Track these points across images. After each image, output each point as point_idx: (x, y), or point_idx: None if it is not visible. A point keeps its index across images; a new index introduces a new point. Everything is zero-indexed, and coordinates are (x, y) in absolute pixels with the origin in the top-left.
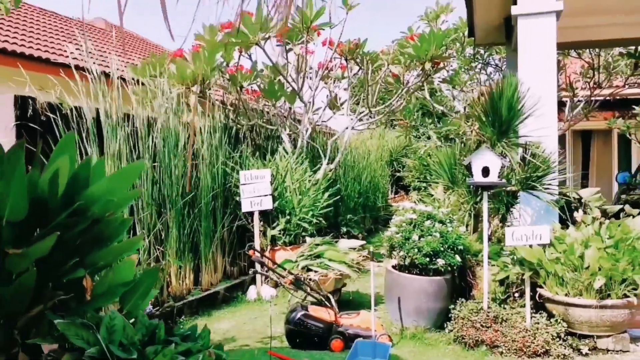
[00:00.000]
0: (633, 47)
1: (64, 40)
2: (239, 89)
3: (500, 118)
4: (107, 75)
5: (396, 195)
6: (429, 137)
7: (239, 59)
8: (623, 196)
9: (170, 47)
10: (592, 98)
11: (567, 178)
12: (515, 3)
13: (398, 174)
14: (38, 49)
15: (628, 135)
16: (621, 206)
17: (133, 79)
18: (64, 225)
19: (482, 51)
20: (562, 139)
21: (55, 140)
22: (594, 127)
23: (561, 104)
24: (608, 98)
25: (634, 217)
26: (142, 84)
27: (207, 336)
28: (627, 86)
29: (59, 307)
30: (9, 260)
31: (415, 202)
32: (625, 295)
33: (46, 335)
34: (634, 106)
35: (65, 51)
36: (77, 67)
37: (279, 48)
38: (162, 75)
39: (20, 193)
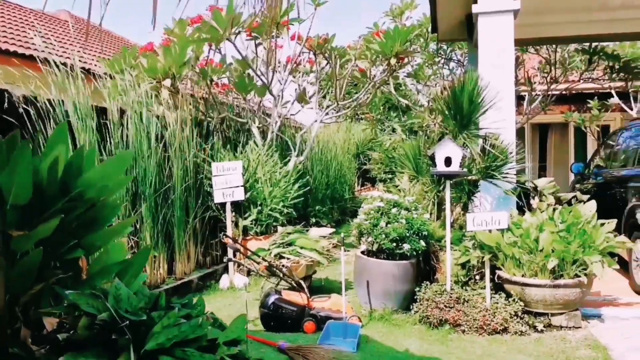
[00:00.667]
0: (587, 44)
1: (28, 33)
2: (209, 82)
3: (461, 111)
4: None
5: (362, 187)
6: (394, 130)
7: (209, 53)
8: (577, 185)
9: (138, 40)
10: (549, 92)
11: (525, 168)
12: (475, 2)
13: (364, 167)
14: (5, 42)
15: (583, 128)
16: (574, 194)
17: (105, 73)
18: (63, 209)
19: (445, 47)
20: (521, 132)
21: (31, 132)
22: (552, 120)
23: (520, 98)
24: (564, 92)
25: (584, 202)
26: (112, 77)
27: (202, 305)
28: (581, 81)
29: (57, 285)
30: (14, 241)
31: (383, 191)
32: (577, 275)
33: (46, 310)
34: (588, 100)
35: (31, 44)
36: (43, 60)
37: (249, 42)
38: (133, 69)
39: (26, 180)
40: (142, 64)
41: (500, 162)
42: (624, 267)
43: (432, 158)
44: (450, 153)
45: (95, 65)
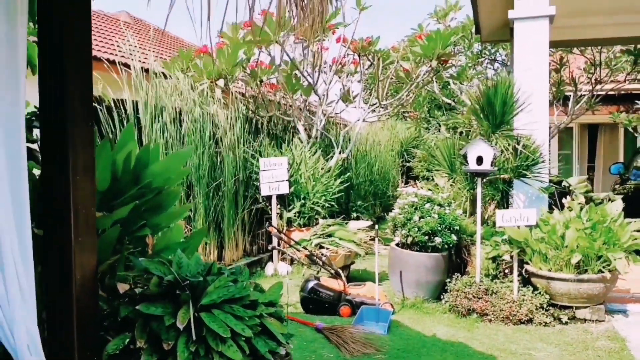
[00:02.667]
0: (633, 45)
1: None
2: (258, 82)
3: (494, 112)
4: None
5: (406, 185)
6: (438, 129)
7: (259, 54)
8: (617, 186)
9: (192, 40)
10: (594, 93)
11: (555, 168)
12: (512, 7)
13: (408, 164)
14: None
15: (630, 129)
16: (607, 194)
17: (163, 73)
18: (135, 195)
19: (489, 47)
20: (569, 132)
21: (100, 128)
22: (601, 120)
23: (565, 98)
24: (612, 93)
25: (613, 201)
26: (170, 77)
27: (246, 274)
28: (627, 82)
29: (127, 259)
30: (97, 220)
31: (419, 188)
32: (600, 271)
33: (120, 278)
34: (636, 101)
35: (96, 45)
36: (113, 62)
37: (296, 45)
38: (189, 69)
39: (106, 171)
40: (197, 65)
41: (531, 162)
42: None
43: (465, 157)
44: (481, 152)
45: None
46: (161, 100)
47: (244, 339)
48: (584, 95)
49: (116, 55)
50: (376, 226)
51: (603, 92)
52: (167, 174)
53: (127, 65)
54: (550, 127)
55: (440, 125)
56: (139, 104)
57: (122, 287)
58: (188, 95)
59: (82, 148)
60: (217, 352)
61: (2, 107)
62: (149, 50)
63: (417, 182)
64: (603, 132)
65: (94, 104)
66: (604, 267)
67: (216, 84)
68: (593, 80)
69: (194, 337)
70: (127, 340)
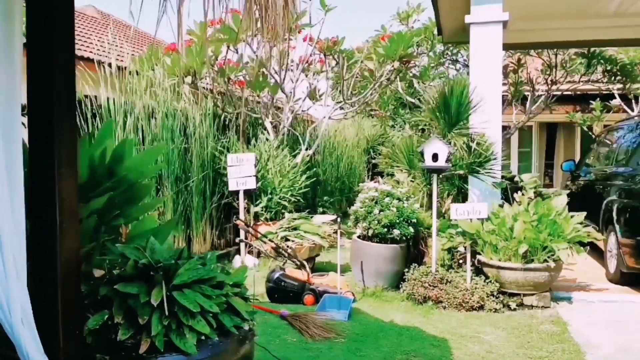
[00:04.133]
0: (586, 49)
1: None
2: (226, 80)
3: (450, 112)
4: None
5: (372, 181)
6: (403, 127)
7: (226, 52)
8: (568, 183)
9: (159, 36)
10: (551, 93)
11: (508, 164)
12: (468, 12)
13: (374, 161)
14: None
15: (585, 128)
16: (555, 189)
17: (133, 70)
18: (111, 187)
19: (451, 48)
20: (528, 130)
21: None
22: (559, 119)
23: (524, 98)
24: (568, 93)
25: (559, 196)
26: (138, 74)
27: (214, 258)
28: (581, 83)
29: (102, 246)
30: None
31: (382, 183)
32: (545, 261)
33: (95, 264)
34: (591, 101)
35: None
36: (82, 58)
37: (263, 43)
38: (157, 66)
39: (84, 164)
40: (165, 62)
41: (484, 159)
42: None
43: (422, 154)
44: (437, 150)
45: (122, 60)
46: (132, 97)
47: (211, 314)
48: (541, 95)
49: (85, 51)
50: (339, 219)
51: (559, 93)
52: (141, 168)
53: (97, 62)
54: (509, 126)
55: (405, 123)
56: (109, 101)
57: (98, 273)
58: (158, 92)
59: (66, 141)
60: (187, 326)
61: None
62: (119, 46)
63: (381, 178)
64: (561, 130)
65: None
66: (548, 257)
67: (184, 81)
68: (549, 81)
69: (167, 313)
70: (106, 316)
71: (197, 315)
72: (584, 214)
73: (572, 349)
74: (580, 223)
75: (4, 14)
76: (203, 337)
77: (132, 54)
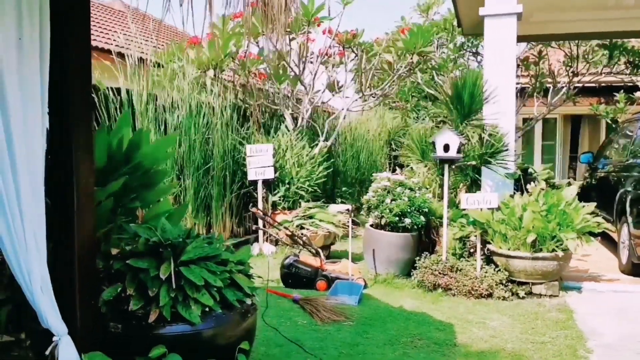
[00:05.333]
0: (608, 40)
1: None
2: (247, 72)
3: (462, 103)
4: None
5: (393, 172)
6: (424, 119)
7: (247, 45)
8: (586, 174)
9: (184, 28)
10: (572, 85)
11: (519, 156)
12: (483, 5)
13: (394, 153)
14: None
15: (609, 121)
16: (568, 180)
17: (157, 62)
18: (127, 172)
19: (472, 40)
20: (552, 122)
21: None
22: (583, 112)
23: (547, 90)
24: (591, 85)
25: (570, 185)
26: (162, 66)
27: (221, 239)
28: (603, 75)
29: (119, 228)
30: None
31: (397, 174)
32: (554, 250)
33: (113, 244)
34: (615, 93)
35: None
36: (108, 51)
37: (284, 37)
38: (181, 59)
39: (103, 151)
40: (188, 56)
41: (496, 150)
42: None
43: (433, 144)
44: (448, 140)
45: (146, 53)
46: (155, 89)
47: (215, 289)
48: (563, 87)
49: (111, 44)
50: (350, 208)
51: (580, 85)
52: (156, 155)
53: (121, 55)
54: (531, 118)
55: (426, 115)
56: (129, 93)
57: (115, 251)
58: (181, 84)
59: (82, 127)
60: (193, 299)
61: (24, 100)
62: (145, 39)
63: (402, 169)
64: (586, 123)
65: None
66: (557, 247)
67: (207, 74)
68: (571, 73)
69: (174, 286)
70: (119, 289)
71: (202, 289)
72: (594, 204)
73: (574, 335)
74: (591, 213)
75: (35, 20)
76: (207, 309)
77: (156, 47)
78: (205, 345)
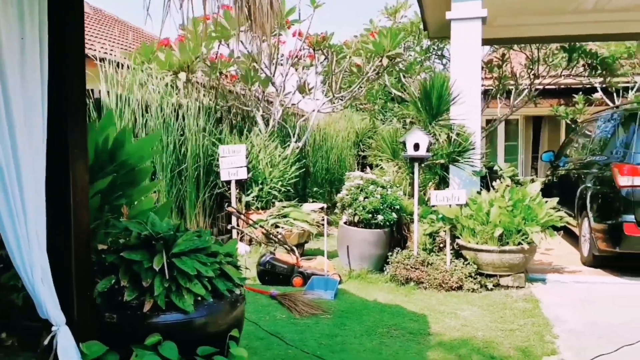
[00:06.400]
0: (568, 43)
1: None
2: (218, 74)
3: (431, 104)
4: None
5: (363, 172)
6: (391, 120)
7: (218, 47)
8: (548, 172)
9: (151, 30)
10: (533, 87)
11: (483, 154)
12: (449, 9)
13: (363, 154)
14: None
15: (569, 121)
16: (532, 177)
17: (128, 65)
18: (113, 171)
19: (438, 43)
20: (514, 123)
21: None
22: (544, 113)
23: (509, 92)
24: (552, 87)
25: (533, 182)
26: (134, 69)
27: (208, 233)
28: (562, 77)
29: (106, 224)
30: None
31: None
32: (520, 243)
33: (99, 240)
34: (574, 95)
35: None
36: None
37: (254, 39)
38: (151, 62)
39: (90, 148)
40: (159, 58)
41: (463, 149)
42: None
43: (404, 144)
44: (418, 140)
45: (113, 54)
46: (130, 91)
47: (206, 279)
48: (525, 89)
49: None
50: (324, 206)
51: (541, 87)
52: (140, 153)
53: (87, 56)
54: (494, 119)
55: (393, 117)
56: (101, 94)
57: (102, 247)
58: (154, 86)
59: (77, 125)
60: (185, 288)
61: (25, 98)
62: (113, 42)
63: (371, 169)
64: (546, 124)
65: None
66: (523, 240)
67: (178, 76)
68: (532, 75)
69: (167, 277)
70: (113, 281)
71: (194, 279)
72: (557, 199)
73: (541, 322)
74: (553, 208)
75: (35, 21)
76: (199, 298)
77: (126, 49)
78: (198, 333)
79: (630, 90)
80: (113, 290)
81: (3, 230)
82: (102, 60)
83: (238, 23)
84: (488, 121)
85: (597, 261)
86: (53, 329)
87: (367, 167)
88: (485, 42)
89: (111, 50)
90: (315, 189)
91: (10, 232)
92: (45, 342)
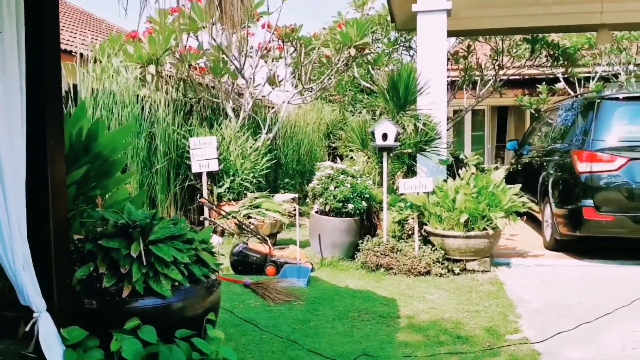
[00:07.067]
0: (530, 35)
1: None
2: (187, 67)
3: (398, 95)
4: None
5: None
6: (361, 112)
7: (187, 39)
8: (512, 161)
9: (118, 23)
10: (498, 77)
11: (449, 143)
12: (415, 1)
13: (333, 145)
14: None
15: (532, 111)
16: (496, 165)
17: (95, 57)
18: (88, 162)
19: (405, 35)
20: (481, 113)
21: None
22: (509, 103)
23: (475, 83)
24: (516, 77)
25: (497, 170)
26: (100, 61)
27: (183, 221)
28: (526, 67)
29: (82, 214)
30: None
31: (338, 163)
32: (485, 229)
33: (74, 230)
34: (537, 85)
35: None
36: None
37: (223, 31)
38: (118, 54)
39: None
40: (127, 51)
41: (429, 138)
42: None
43: (373, 134)
44: (386, 130)
45: (79, 47)
46: (95, 84)
47: (183, 265)
48: (490, 79)
49: None
50: (296, 196)
51: (506, 77)
52: (114, 145)
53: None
54: (461, 109)
55: (363, 108)
56: (71, 87)
57: (78, 237)
58: (121, 79)
59: (54, 117)
60: (163, 274)
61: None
62: (77, 33)
63: (341, 160)
64: (512, 114)
65: None
66: (487, 226)
67: (147, 69)
68: (497, 66)
69: (145, 263)
70: (92, 268)
71: (170, 265)
72: (519, 186)
73: (505, 303)
74: (516, 194)
75: (13, 15)
76: (177, 284)
77: (92, 42)
78: (176, 317)
79: (591, 80)
80: (92, 277)
81: None
82: (69, 52)
83: (209, 14)
84: (455, 112)
85: (559, 245)
86: (34, 315)
87: (338, 158)
88: (451, 33)
89: (75, 42)
90: (286, 180)
91: None
92: (27, 328)
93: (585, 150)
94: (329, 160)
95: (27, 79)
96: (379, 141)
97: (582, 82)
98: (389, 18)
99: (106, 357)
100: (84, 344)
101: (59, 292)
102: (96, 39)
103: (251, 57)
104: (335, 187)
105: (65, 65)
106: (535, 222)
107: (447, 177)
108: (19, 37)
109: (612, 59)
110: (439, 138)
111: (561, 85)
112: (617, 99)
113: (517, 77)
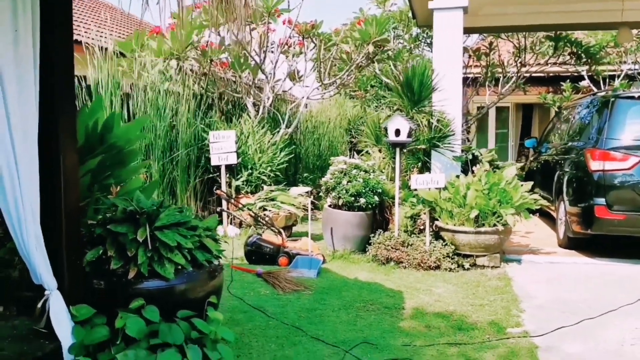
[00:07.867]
0: (554, 32)
1: None
2: (209, 62)
3: (413, 91)
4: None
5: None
6: (382, 108)
7: (209, 35)
8: (531, 158)
9: (146, 19)
10: (520, 75)
11: (465, 140)
12: None
13: (354, 140)
14: None
15: (556, 109)
16: (511, 162)
17: (120, 52)
18: (102, 152)
19: (427, 31)
20: (505, 110)
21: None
22: (534, 101)
23: (497, 80)
24: (539, 75)
25: (510, 167)
26: (124, 56)
27: (189, 210)
28: (549, 65)
29: (96, 201)
30: None
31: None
32: (495, 225)
33: (89, 216)
34: (562, 83)
35: None
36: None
37: (244, 27)
38: (143, 49)
39: (80, 131)
40: (151, 46)
41: (443, 135)
42: None
43: (386, 130)
44: (399, 125)
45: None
46: (121, 78)
47: (186, 250)
48: (512, 77)
49: (78, 34)
50: (311, 189)
51: (528, 74)
52: (128, 136)
53: (80, 43)
54: (483, 106)
55: (384, 105)
56: (95, 81)
57: (91, 223)
58: (146, 73)
59: (66, 110)
60: (167, 258)
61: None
62: (107, 29)
63: (361, 155)
64: (537, 111)
65: None
66: (498, 222)
67: (169, 64)
68: (519, 64)
69: (150, 247)
70: (101, 251)
71: (174, 250)
72: (531, 183)
73: (510, 298)
74: (528, 191)
75: (27, 9)
76: (180, 267)
77: (119, 37)
78: (178, 298)
79: (616, 78)
80: (101, 259)
81: (5, 203)
82: (92, 47)
83: (224, 11)
84: (478, 108)
85: (572, 243)
86: (46, 293)
87: (355, 153)
88: (472, 30)
89: (103, 36)
90: (305, 174)
91: (11, 205)
92: (39, 305)
93: (598, 148)
94: (350, 155)
95: (40, 73)
96: (391, 137)
97: (607, 80)
98: (410, 14)
99: (111, 333)
100: (91, 321)
101: (69, 272)
102: (123, 35)
103: (272, 52)
104: (347, 182)
105: (83, 58)
106: (551, 220)
107: (461, 174)
108: (34, 34)
109: (638, 57)
110: (453, 134)
111: (585, 83)
112: (632, 97)
113: (541, 74)
